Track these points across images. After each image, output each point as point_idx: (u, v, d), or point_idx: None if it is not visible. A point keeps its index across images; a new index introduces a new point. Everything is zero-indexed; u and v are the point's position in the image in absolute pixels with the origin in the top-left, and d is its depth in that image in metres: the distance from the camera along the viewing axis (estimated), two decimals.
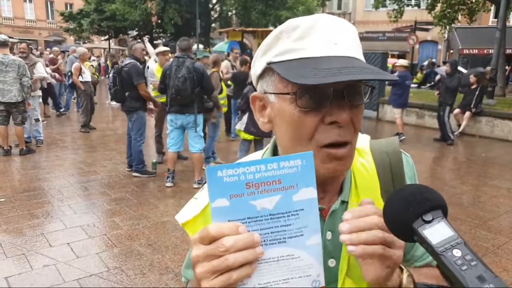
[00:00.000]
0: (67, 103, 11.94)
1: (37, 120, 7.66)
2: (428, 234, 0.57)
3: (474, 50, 22.75)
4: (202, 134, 5.51)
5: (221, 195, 0.59)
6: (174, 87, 5.13)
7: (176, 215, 0.83)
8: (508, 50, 14.92)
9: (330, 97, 0.67)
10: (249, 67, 8.14)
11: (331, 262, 0.77)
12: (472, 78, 9.58)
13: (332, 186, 0.80)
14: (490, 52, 14.91)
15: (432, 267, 0.85)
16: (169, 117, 5.40)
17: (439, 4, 14.97)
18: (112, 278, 3.26)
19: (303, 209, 0.61)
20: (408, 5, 18.87)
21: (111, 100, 12.53)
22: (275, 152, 0.86)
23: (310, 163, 0.60)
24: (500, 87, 12.51)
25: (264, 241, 0.60)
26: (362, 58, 0.72)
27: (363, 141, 0.87)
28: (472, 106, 9.66)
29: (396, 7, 16.28)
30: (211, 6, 28.07)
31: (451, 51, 26.74)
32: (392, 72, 11.92)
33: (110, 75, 6.39)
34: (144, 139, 6.17)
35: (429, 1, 15.15)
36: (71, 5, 36.65)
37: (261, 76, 0.76)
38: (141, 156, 6.00)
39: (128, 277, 3.28)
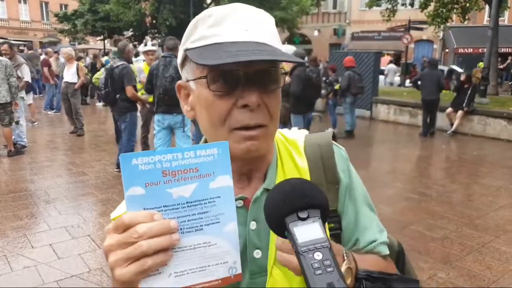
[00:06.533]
0: (58, 104, 11.89)
1: (17, 122, 6.98)
2: (297, 232, 0.54)
3: (469, 49, 22.83)
4: (189, 134, 5.47)
5: (136, 183, 0.58)
6: (161, 87, 5.09)
7: (111, 213, 0.80)
8: (501, 49, 14.94)
9: (241, 81, 0.68)
10: None
11: (257, 253, 0.76)
12: (463, 77, 9.62)
13: (256, 174, 0.80)
14: (485, 51, 14.91)
15: (374, 254, 0.83)
16: (156, 117, 5.36)
17: (432, 3, 14.96)
18: (92, 279, 3.23)
19: (219, 197, 0.61)
20: (402, 4, 18.88)
21: (100, 101, 12.55)
22: None
23: (226, 152, 0.61)
24: (492, 86, 12.53)
25: (181, 229, 0.59)
26: (275, 44, 0.73)
27: (298, 134, 0.88)
28: (464, 105, 9.69)
29: (389, 6, 16.29)
30: (205, 6, 28.05)
31: (447, 50, 26.80)
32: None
33: (102, 76, 6.24)
34: (136, 139, 6.13)
35: (421, 0, 15.14)
36: (66, 6, 36.48)
37: (182, 65, 0.78)
38: None
39: (109, 278, 3.25)
